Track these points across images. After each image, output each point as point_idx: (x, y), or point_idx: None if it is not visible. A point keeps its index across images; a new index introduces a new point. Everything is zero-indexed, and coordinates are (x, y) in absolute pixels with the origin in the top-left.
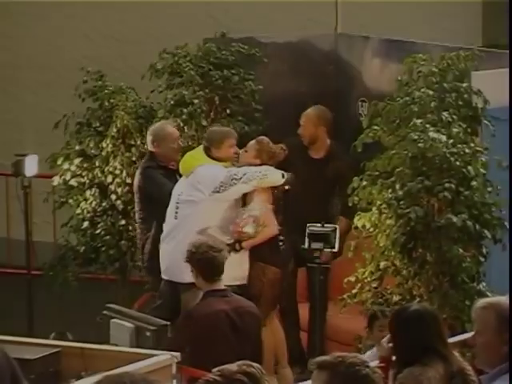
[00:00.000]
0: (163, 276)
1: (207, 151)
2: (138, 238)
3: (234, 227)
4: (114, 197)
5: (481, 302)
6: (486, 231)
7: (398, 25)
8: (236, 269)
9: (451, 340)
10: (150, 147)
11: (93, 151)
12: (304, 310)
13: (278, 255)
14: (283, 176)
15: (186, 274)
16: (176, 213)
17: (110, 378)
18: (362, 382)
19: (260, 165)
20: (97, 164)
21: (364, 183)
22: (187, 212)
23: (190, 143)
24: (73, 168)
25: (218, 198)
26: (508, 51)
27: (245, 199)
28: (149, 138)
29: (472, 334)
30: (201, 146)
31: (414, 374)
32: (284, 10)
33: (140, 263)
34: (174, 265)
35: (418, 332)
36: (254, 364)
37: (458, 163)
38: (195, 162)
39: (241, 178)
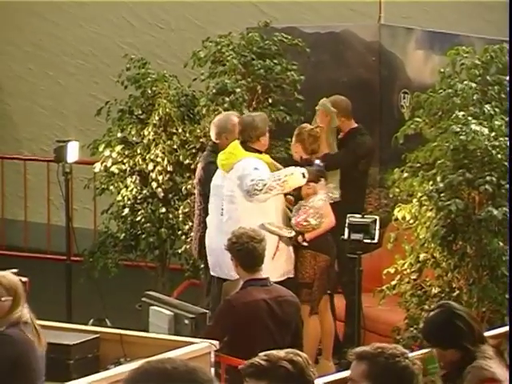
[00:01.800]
0: (212, 272)
1: (248, 143)
2: (195, 229)
3: (297, 219)
4: (154, 184)
5: None
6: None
7: (441, 16)
8: (286, 263)
9: (490, 333)
10: (215, 139)
11: (134, 138)
12: (339, 300)
13: (327, 243)
14: (304, 176)
15: (234, 271)
16: (222, 209)
17: (151, 363)
18: (402, 373)
19: (310, 152)
20: (138, 151)
21: (405, 175)
22: (231, 208)
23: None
24: (114, 155)
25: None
26: None
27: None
28: (215, 130)
29: None
30: (237, 141)
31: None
32: (327, 1)
33: (195, 254)
34: (222, 261)
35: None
36: (302, 354)
37: (499, 156)
38: (233, 158)
39: (261, 190)
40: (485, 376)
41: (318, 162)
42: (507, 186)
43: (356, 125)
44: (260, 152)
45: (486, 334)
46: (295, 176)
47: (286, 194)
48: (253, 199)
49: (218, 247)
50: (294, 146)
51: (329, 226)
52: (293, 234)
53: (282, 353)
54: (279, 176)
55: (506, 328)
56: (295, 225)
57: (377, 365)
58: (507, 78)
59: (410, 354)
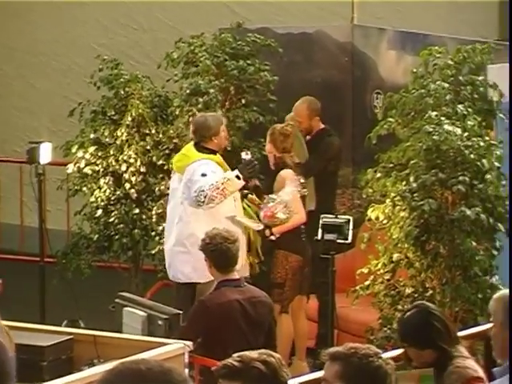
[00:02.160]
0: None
1: (201, 143)
2: None
3: (266, 212)
4: (127, 185)
5: (495, 295)
6: (499, 224)
7: (413, 17)
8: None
9: (463, 333)
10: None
11: (107, 139)
12: (312, 301)
13: (300, 243)
14: (239, 178)
15: (181, 274)
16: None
17: (125, 364)
18: (375, 373)
19: (282, 150)
20: (111, 152)
21: (378, 175)
22: (181, 209)
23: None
24: (87, 156)
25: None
26: None
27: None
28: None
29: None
30: (190, 143)
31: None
32: (300, 1)
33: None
34: (171, 264)
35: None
36: (275, 354)
37: (472, 156)
38: (187, 160)
39: (204, 201)
40: (470, 375)
41: (244, 154)
42: (480, 185)
43: (323, 126)
44: (215, 152)
45: (460, 333)
46: (232, 181)
47: (246, 194)
48: (199, 208)
49: (167, 249)
50: (268, 145)
51: (299, 222)
52: (261, 227)
53: (254, 354)
54: (217, 185)
55: (479, 328)
56: (262, 218)
57: (350, 365)
58: (479, 78)
59: (384, 354)
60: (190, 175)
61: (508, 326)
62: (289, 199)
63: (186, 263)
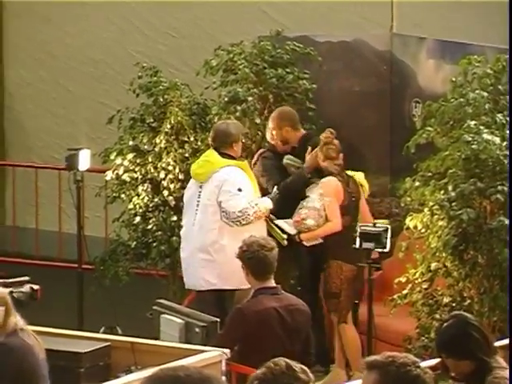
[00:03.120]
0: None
1: (221, 150)
2: None
3: (296, 218)
4: (166, 193)
5: None
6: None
7: (453, 25)
8: None
9: (501, 343)
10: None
11: (146, 147)
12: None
13: (353, 252)
14: (272, 200)
15: (204, 281)
16: (194, 220)
17: (164, 370)
18: (413, 383)
19: (326, 158)
20: (150, 160)
21: (416, 184)
22: (203, 217)
23: (243, 141)
24: (126, 163)
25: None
26: None
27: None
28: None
29: None
30: (210, 150)
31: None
32: (339, 9)
33: None
34: (188, 272)
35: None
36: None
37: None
38: (212, 166)
39: (242, 223)
40: None
41: (274, 190)
42: None
43: (304, 131)
44: (234, 158)
45: (498, 343)
46: (267, 209)
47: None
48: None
49: (185, 257)
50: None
51: (332, 230)
52: (295, 231)
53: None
54: (260, 214)
55: None
56: (293, 223)
57: (388, 374)
58: None
59: (422, 364)
60: (220, 183)
61: None
62: (319, 206)
63: (210, 270)
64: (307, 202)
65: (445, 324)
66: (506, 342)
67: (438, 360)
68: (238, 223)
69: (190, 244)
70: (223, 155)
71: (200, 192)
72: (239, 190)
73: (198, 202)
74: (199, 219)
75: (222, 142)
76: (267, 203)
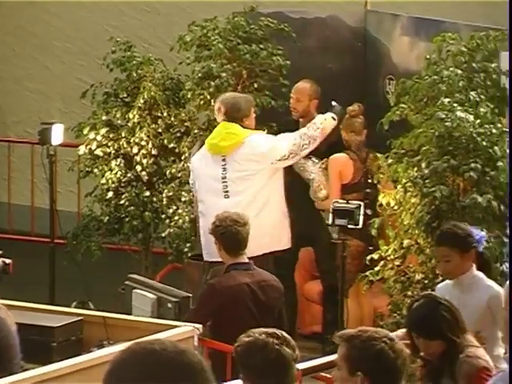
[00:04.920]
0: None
1: (240, 122)
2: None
3: (313, 191)
4: (139, 168)
5: (508, 281)
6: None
7: (427, 3)
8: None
9: None
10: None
11: (119, 122)
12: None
13: (362, 228)
14: (334, 118)
15: (263, 246)
16: (226, 191)
17: (140, 344)
18: (378, 357)
19: (351, 131)
20: (123, 134)
21: (390, 161)
22: (242, 188)
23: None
24: (99, 138)
25: (282, 165)
26: None
27: None
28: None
29: None
30: (226, 122)
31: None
32: None
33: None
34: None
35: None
36: (282, 332)
37: (484, 143)
38: (238, 138)
39: (309, 144)
40: (481, 365)
41: (333, 103)
42: (491, 173)
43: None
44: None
45: None
46: (328, 121)
47: None
48: (286, 162)
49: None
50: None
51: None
52: (324, 193)
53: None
54: (316, 125)
55: None
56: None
57: (354, 347)
58: (492, 65)
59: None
60: (256, 149)
61: None
62: (324, 179)
63: (260, 234)
64: (313, 177)
65: (415, 304)
66: None
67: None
68: (303, 148)
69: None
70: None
71: (224, 165)
72: (272, 136)
73: (225, 175)
74: (237, 191)
75: (232, 117)
76: (327, 116)
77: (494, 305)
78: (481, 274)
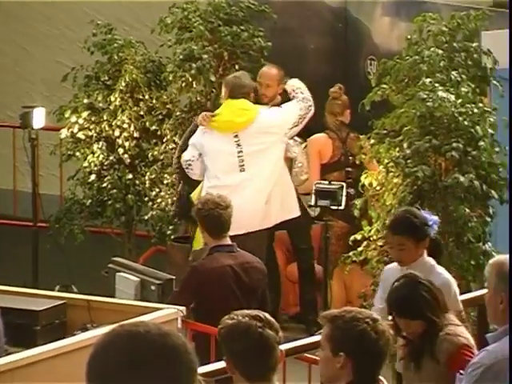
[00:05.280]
0: (240, 231)
1: (247, 97)
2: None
3: (293, 175)
4: (121, 151)
5: (490, 260)
6: (492, 191)
7: None
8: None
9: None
10: None
11: (101, 105)
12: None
13: (346, 209)
14: None
15: (273, 218)
16: (242, 165)
17: (124, 326)
18: (360, 338)
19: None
20: (104, 117)
21: (371, 141)
22: (258, 160)
23: (198, 98)
24: (80, 121)
25: (294, 133)
26: None
27: None
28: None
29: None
30: (233, 100)
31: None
32: None
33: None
34: (260, 212)
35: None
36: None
37: (466, 123)
38: (251, 113)
39: (311, 104)
40: (461, 342)
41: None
42: (473, 152)
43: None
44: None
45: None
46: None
47: None
48: (298, 128)
49: (248, 201)
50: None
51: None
52: (306, 177)
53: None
54: (298, 86)
55: (472, 294)
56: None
57: (336, 328)
58: (473, 44)
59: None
60: (269, 122)
61: (501, 289)
62: (305, 161)
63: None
64: (294, 156)
65: (395, 284)
66: (461, 298)
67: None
68: (309, 109)
69: (247, 190)
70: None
71: (238, 141)
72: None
73: (240, 149)
74: (252, 164)
75: (237, 94)
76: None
77: (445, 292)
78: (432, 261)
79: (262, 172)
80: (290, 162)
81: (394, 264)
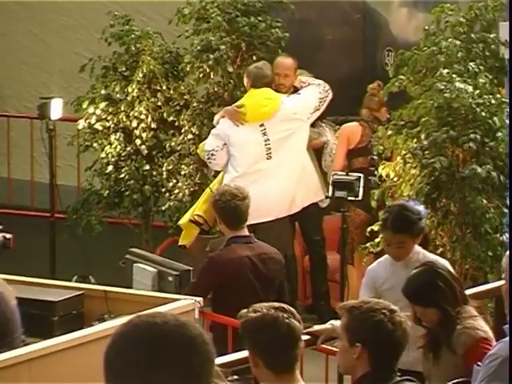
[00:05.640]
0: (268, 218)
1: (269, 87)
2: None
3: (324, 163)
4: (138, 141)
5: (507, 251)
6: (510, 182)
7: None
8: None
9: (473, 291)
10: None
11: (118, 96)
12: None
13: (366, 199)
14: None
15: (300, 202)
16: (269, 153)
17: (141, 317)
18: (377, 328)
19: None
20: (122, 108)
21: (389, 132)
22: (284, 147)
23: (215, 89)
24: (98, 112)
25: (315, 116)
26: None
27: None
28: None
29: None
30: (256, 90)
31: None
32: None
33: None
34: (288, 197)
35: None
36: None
37: (483, 114)
38: (275, 102)
39: (328, 88)
40: (479, 336)
41: None
42: (491, 143)
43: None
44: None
45: (470, 291)
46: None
47: None
48: (322, 108)
49: (286, 186)
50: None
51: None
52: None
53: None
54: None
55: (489, 286)
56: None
57: (353, 318)
58: (491, 35)
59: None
60: (293, 108)
61: None
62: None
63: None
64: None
65: (414, 271)
66: (477, 289)
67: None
68: (328, 93)
69: (274, 177)
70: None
71: (264, 130)
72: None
73: (267, 138)
74: (279, 151)
75: (261, 83)
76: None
77: None
78: (423, 250)
79: (289, 158)
80: (322, 146)
81: (382, 260)
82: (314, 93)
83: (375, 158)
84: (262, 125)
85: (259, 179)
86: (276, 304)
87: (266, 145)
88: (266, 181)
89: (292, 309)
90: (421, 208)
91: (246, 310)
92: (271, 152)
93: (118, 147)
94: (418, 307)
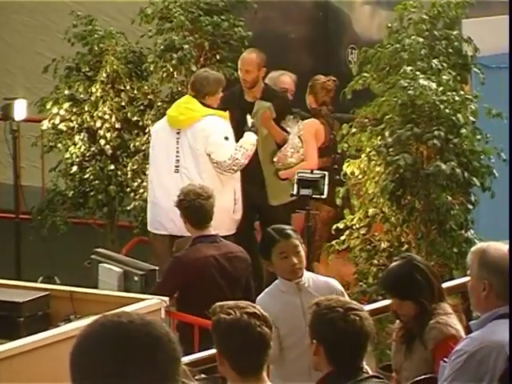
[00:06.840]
0: (158, 231)
1: (201, 99)
2: None
3: (280, 154)
4: (102, 142)
5: (472, 248)
6: (474, 179)
7: None
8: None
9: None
10: None
11: (82, 96)
12: None
13: (331, 195)
14: (256, 133)
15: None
16: (177, 166)
17: (107, 317)
18: (328, 325)
19: (321, 103)
20: (86, 109)
21: (353, 130)
22: (191, 164)
23: (179, 89)
24: (62, 112)
25: (211, 165)
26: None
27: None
28: None
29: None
30: (189, 97)
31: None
32: None
33: None
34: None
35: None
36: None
37: (447, 111)
38: (194, 114)
39: (237, 170)
40: (450, 333)
41: (249, 122)
42: (455, 140)
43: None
44: (212, 108)
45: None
46: (254, 145)
47: None
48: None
49: (169, 205)
50: (308, 97)
51: (306, 169)
52: (294, 161)
53: (236, 304)
54: (248, 153)
55: (454, 282)
56: (276, 162)
57: (313, 315)
58: (454, 32)
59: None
60: (206, 133)
61: (483, 277)
62: (298, 143)
63: None
64: (289, 139)
65: (392, 263)
66: (444, 286)
67: (378, 304)
68: (231, 171)
69: (173, 190)
70: (202, 104)
71: (178, 139)
72: (226, 138)
73: (178, 148)
74: (186, 166)
75: (197, 90)
76: (251, 138)
77: None
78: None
79: (192, 177)
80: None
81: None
82: (231, 150)
83: (338, 156)
84: (178, 132)
85: (161, 190)
86: (250, 309)
87: (176, 156)
88: (168, 194)
89: (265, 314)
90: None
91: (218, 308)
92: (179, 166)
93: (83, 147)
94: (394, 300)
